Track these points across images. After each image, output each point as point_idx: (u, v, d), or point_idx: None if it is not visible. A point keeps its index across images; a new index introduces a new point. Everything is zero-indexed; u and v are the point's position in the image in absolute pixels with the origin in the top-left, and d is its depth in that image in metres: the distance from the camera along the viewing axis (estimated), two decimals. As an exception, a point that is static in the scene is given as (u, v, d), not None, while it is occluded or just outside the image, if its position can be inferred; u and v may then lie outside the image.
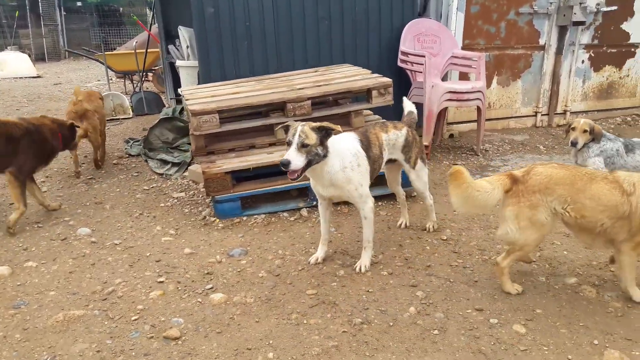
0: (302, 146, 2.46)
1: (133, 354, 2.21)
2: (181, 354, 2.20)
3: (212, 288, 2.73)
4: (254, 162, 3.50)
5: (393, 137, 3.05)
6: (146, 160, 4.98)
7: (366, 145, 2.86)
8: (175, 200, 4.01)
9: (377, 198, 3.83)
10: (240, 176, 3.64)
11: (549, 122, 6.19)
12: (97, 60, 8.84)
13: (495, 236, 2.73)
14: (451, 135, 5.70)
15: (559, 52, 5.90)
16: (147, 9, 20.19)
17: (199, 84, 4.92)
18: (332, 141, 2.65)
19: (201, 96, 3.89)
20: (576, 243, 3.16)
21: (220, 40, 4.51)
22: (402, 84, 5.14)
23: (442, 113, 5.36)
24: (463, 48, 5.36)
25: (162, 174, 4.63)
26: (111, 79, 8.54)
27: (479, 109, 4.89)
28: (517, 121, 6.11)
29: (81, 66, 13.37)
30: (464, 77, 5.37)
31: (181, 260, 3.04)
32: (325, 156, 2.57)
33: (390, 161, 3.15)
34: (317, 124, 2.53)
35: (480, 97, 4.78)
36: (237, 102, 3.66)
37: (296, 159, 2.44)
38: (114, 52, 8.87)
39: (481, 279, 2.81)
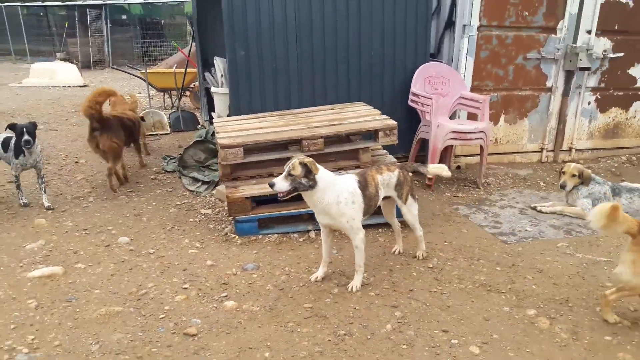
0: (289, 175, 3.11)
1: (159, 344, 2.79)
2: (196, 347, 2.77)
3: (226, 296, 3.30)
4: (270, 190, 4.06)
5: (387, 178, 3.56)
6: (180, 177, 5.62)
7: (363, 185, 3.39)
8: (203, 216, 4.61)
9: (378, 226, 4.37)
10: (259, 200, 4.20)
11: (555, 158, 6.57)
12: (140, 78, 9.64)
13: (612, 272, 3.14)
14: (458, 167, 6.16)
15: (565, 94, 6.30)
16: (188, 22, 21.26)
17: (229, 113, 5.54)
18: (331, 178, 3.22)
19: (230, 129, 4.49)
20: (545, 278, 3.60)
21: (250, 78, 5.12)
22: (413, 120, 5.66)
23: (450, 148, 5.84)
24: (472, 89, 5.83)
25: (193, 191, 5.25)
26: (152, 97, 9.29)
27: (481, 147, 5.35)
28: (523, 156, 6.52)
29: (124, 76, 14.25)
30: (472, 116, 5.82)
31: (203, 270, 3.63)
32: (311, 187, 3.15)
33: (385, 197, 3.67)
34: (307, 160, 3.13)
35: (483, 137, 5.24)
36: (260, 137, 4.25)
37: (280, 183, 3.12)
38: (155, 69, 9.64)
39: (454, 304, 3.28)
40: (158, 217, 4.60)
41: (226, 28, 4.92)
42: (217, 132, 4.45)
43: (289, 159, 4.34)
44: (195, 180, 5.48)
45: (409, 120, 5.65)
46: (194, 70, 8.73)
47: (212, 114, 6.95)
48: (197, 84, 9.35)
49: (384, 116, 4.70)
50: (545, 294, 3.44)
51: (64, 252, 3.89)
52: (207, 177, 5.45)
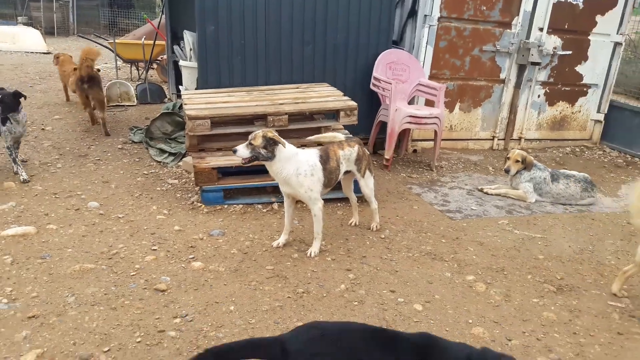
0: (249, 144, 3.40)
1: (131, 298, 3.03)
2: (166, 301, 3.02)
3: (193, 258, 3.55)
4: (237, 161, 4.30)
5: (348, 153, 3.86)
6: (147, 148, 5.76)
7: (325, 159, 3.68)
8: (170, 186, 4.81)
9: (337, 200, 4.68)
10: (225, 171, 4.43)
11: (505, 146, 7.02)
12: (107, 48, 9.56)
13: (637, 251, 3.34)
14: (414, 151, 6.54)
15: (517, 86, 6.74)
16: (156, -5, 20.84)
17: (197, 86, 5.70)
18: (291, 152, 3.50)
19: (197, 102, 4.68)
20: (485, 250, 4.02)
21: (218, 53, 5.29)
22: (373, 104, 5.97)
23: (407, 132, 6.20)
24: (430, 77, 6.19)
25: (159, 162, 5.41)
26: (119, 68, 9.26)
27: (435, 132, 5.72)
28: (476, 143, 6.95)
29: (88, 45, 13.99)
30: (430, 102, 6.18)
31: (171, 234, 3.85)
32: (270, 158, 3.44)
33: (346, 172, 3.98)
34: (271, 134, 3.40)
35: (437, 123, 5.60)
36: (227, 111, 4.46)
37: (241, 150, 3.40)
38: (123, 40, 9.59)
39: (401, 269, 3.64)
40: (126, 184, 4.77)
41: (197, 2, 5.06)
42: (185, 104, 4.64)
43: (254, 133, 4.63)
44: (162, 151, 5.64)
45: (370, 103, 5.95)
46: (163, 43, 8.76)
47: (180, 87, 7.07)
48: (164, 57, 9.38)
49: (346, 97, 4.99)
50: (483, 263, 3.84)
51: (35, 214, 4.03)
52: (173, 149, 5.62)
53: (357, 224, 4.33)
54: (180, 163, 5.35)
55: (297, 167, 3.51)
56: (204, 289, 3.19)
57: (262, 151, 3.40)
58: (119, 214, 4.14)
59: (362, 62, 5.88)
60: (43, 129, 6.31)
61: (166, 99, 8.32)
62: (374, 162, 5.84)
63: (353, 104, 4.80)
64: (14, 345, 2.57)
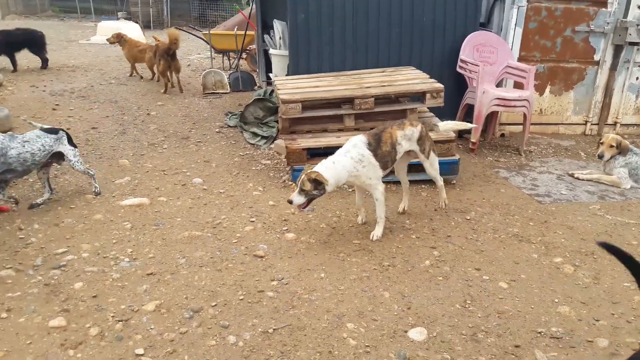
0: (302, 191, 3.42)
1: (234, 261, 3.36)
2: (265, 266, 3.33)
3: (287, 229, 3.84)
4: (325, 142, 4.55)
5: (409, 132, 3.77)
6: (241, 132, 6.16)
7: (374, 146, 3.64)
8: (263, 166, 5.15)
9: (422, 182, 4.78)
10: (314, 152, 4.68)
11: (599, 131, 6.72)
12: (202, 39, 10.18)
13: None
14: (502, 135, 6.44)
15: (613, 68, 6.41)
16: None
17: (287, 73, 6.00)
18: (332, 172, 3.47)
19: (289, 87, 4.96)
20: (574, 234, 3.96)
21: (309, 40, 5.54)
22: (460, 87, 5.96)
23: (495, 115, 6.13)
24: (519, 59, 6.06)
25: (253, 144, 5.78)
26: (213, 57, 9.84)
27: (524, 115, 5.62)
28: (567, 128, 6.71)
29: (183, 37, 14.87)
30: (519, 85, 6.05)
31: (266, 208, 4.17)
32: (323, 192, 3.47)
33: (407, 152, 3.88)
34: (314, 175, 3.40)
35: (526, 105, 5.50)
36: (316, 95, 4.70)
37: (296, 199, 3.43)
38: (216, 31, 10.16)
39: (487, 249, 3.70)
40: (225, 164, 5.17)
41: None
42: (278, 89, 4.93)
43: (341, 116, 4.83)
44: (255, 134, 6.01)
45: (457, 86, 5.95)
46: (253, 33, 9.19)
47: (270, 74, 7.43)
48: (254, 46, 9.84)
49: (432, 80, 5.05)
50: (572, 246, 3.80)
51: (148, 187, 4.51)
52: (265, 133, 5.97)
53: (407, 209, 4.24)
54: (272, 145, 5.69)
55: (347, 170, 3.55)
56: (297, 257, 3.46)
57: (315, 192, 3.46)
58: (220, 189, 4.53)
59: (448, 44, 5.88)
60: (148, 113, 6.93)
61: (256, 86, 8.75)
62: (459, 146, 5.89)
63: (439, 86, 4.85)
64: (137, 296, 2.97)
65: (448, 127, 4.23)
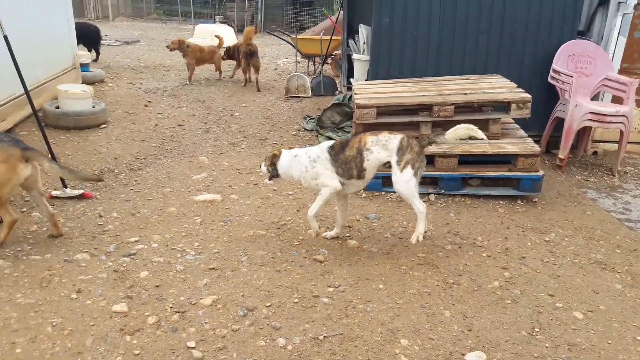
0: (267, 163, 3.77)
1: (293, 263, 3.36)
2: (323, 271, 3.29)
3: (349, 236, 3.78)
4: (398, 150, 4.43)
5: (383, 139, 3.39)
6: (317, 136, 6.19)
7: (337, 150, 3.47)
8: (334, 170, 5.13)
9: (499, 197, 4.52)
10: (386, 159, 4.58)
11: None
12: (290, 43, 10.40)
13: None
14: (594, 152, 5.95)
15: None
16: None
17: (367, 78, 5.94)
18: (286, 161, 3.66)
19: (366, 92, 4.90)
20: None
21: (391, 44, 5.45)
22: (551, 98, 5.58)
23: (587, 130, 5.67)
24: (620, 71, 5.55)
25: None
26: (299, 62, 10.01)
27: (621, 132, 5.14)
28: (673, 149, 6.05)
29: (273, 41, 15.29)
30: (618, 100, 5.55)
31: (331, 213, 4.14)
32: (276, 174, 3.70)
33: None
34: (271, 155, 3.75)
35: (624, 122, 5.03)
36: (392, 101, 4.60)
37: (263, 168, 3.82)
38: (303, 36, 10.32)
39: (564, 275, 3.41)
40: (296, 166, 5.21)
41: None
42: (355, 94, 4.88)
43: (418, 123, 4.69)
44: (330, 139, 6.00)
45: (547, 97, 5.58)
46: (339, 37, 9.24)
47: (351, 79, 7.41)
48: (339, 52, 9.88)
49: (519, 89, 4.76)
50: (666, 278, 3.40)
51: (222, 185, 4.66)
52: (340, 138, 5.94)
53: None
54: (346, 150, 5.64)
55: (301, 166, 3.58)
56: (356, 265, 3.39)
57: (272, 170, 3.69)
58: (289, 191, 4.57)
59: (540, 53, 5.53)
60: (232, 114, 7.18)
61: (337, 91, 8.78)
62: (545, 162, 5.51)
63: (526, 96, 4.56)
64: (196, 289, 3.05)
65: (458, 132, 3.44)
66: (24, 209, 3.92)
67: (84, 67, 8.60)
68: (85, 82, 8.38)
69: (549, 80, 5.49)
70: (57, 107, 6.13)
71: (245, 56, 8.71)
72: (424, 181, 4.65)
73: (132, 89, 8.52)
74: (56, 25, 7.46)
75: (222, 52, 9.61)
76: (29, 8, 6.32)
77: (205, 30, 15.09)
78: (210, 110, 7.33)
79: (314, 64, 11.06)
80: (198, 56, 9.22)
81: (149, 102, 7.60)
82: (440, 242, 3.77)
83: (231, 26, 17.59)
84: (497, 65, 5.55)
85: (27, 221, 3.75)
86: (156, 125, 6.42)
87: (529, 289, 3.22)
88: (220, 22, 19.17)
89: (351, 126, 5.96)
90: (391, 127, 4.75)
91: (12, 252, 3.32)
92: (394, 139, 3.40)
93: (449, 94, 4.68)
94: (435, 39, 5.45)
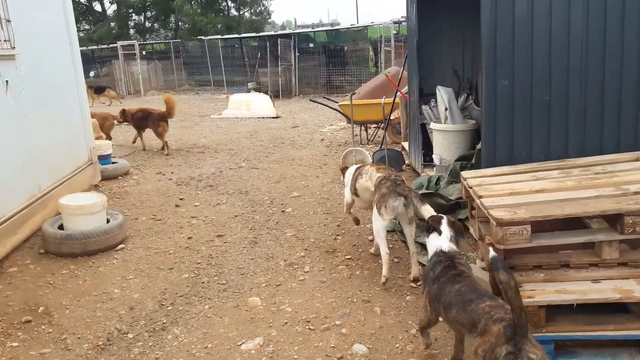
0: None
1: None
2: None
3: None
4: (576, 296, 2.66)
5: (371, 170, 3.93)
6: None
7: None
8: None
9: None
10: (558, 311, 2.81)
11: None
12: (337, 110, 8.94)
13: None
14: None
15: None
16: (371, 49, 20.84)
17: (475, 160, 4.29)
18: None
19: (498, 192, 3.21)
20: None
21: (512, 117, 3.82)
22: None
23: None
24: None
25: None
26: (355, 134, 8.50)
27: None
28: None
29: (311, 106, 14.03)
30: None
31: None
32: None
33: None
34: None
35: None
36: (555, 210, 2.87)
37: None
38: (358, 101, 8.78)
39: None
40: (393, 306, 3.47)
41: (486, 52, 3.70)
42: (480, 196, 3.20)
43: (592, 244, 2.94)
44: (424, 247, 4.30)
45: None
46: (397, 100, 7.72)
47: (433, 155, 5.79)
48: (396, 115, 8.35)
49: None
50: None
51: (284, 353, 2.96)
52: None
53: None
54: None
55: None
56: None
57: None
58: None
59: None
60: (283, 211, 5.59)
61: (404, 165, 7.15)
62: None
63: None
64: None
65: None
66: None
67: (104, 159, 7.29)
68: (106, 177, 7.09)
69: None
70: (61, 227, 4.70)
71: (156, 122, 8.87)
72: (626, 343, 2.84)
73: (162, 180, 7.12)
74: (69, 113, 6.23)
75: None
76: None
77: (241, 100, 14.06)
78: (255, 207, 5.79)
79: (367, 130, 9.55)
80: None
81: (181, 199, 6.13)
82: None
83: (265, 93, 16.53)
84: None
85: None
86: (189, 238, 4.87)
87: None
88: (254, 90, 18.22)
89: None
90: (546, 249, 3.03)
91: None
92: (375, 174, 3.86)
93: (636, 192, 2.94)
94: (575, 102, 3.79)
